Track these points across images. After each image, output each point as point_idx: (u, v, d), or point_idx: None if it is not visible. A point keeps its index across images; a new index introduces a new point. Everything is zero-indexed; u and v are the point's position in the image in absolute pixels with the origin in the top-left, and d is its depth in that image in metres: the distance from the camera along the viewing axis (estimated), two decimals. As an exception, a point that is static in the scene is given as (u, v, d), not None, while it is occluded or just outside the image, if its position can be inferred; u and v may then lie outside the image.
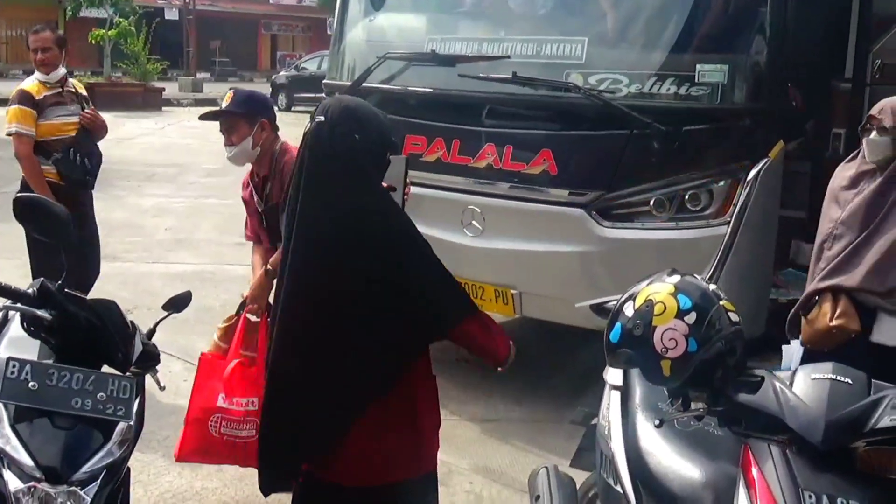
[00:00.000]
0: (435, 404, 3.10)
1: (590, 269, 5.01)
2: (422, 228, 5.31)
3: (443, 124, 5.44)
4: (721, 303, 2.44)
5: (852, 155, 4.05)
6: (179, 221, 10.89)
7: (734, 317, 2.44)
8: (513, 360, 3.06)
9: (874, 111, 3.83)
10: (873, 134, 3.78)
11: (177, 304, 3.28)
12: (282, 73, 33.08)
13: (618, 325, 2.48)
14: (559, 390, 5.29)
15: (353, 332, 2.79)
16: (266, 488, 3.12)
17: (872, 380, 2.35)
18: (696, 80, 4.75)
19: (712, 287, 2.49)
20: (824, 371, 2.34)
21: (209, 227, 10.65)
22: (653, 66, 4.92)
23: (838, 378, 2.31)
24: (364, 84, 5.79)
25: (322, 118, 2.81)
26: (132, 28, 28.17)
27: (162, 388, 3.14)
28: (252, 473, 4.57)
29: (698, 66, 4.75)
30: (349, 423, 2.84)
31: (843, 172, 3.99)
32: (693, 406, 2.48)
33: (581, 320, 5.03)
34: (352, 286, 2.78)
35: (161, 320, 3.25)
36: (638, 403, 2.99)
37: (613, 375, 3.13)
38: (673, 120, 4.76)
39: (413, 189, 5.50)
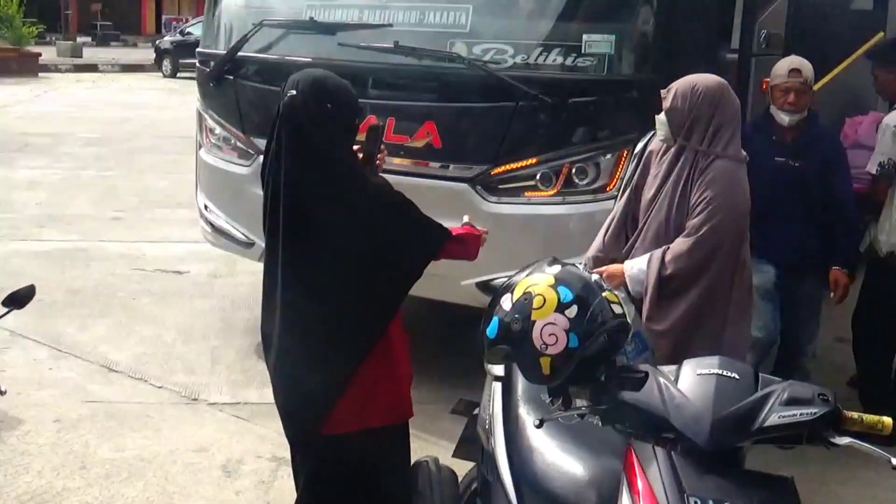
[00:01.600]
0: (409, 358, 3.29)
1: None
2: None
3: (322, 95, 5.19)
4: (604, 294, 2.30)
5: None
6: (52, 195, 10.39)
7: (618, 309, 2.31)
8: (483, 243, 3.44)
9: (663, 90, 3.71)
10: (662, 113, 3.69)
11: (18, 299, 3.01)
12: (166, 38, 32.13)
13: (494, 319, 2.32)
14: (447, 373, 5.15)
15: (350, 283, 3.01)
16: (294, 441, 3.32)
17: (760, 374, 2.24)
18: (582, 51, 4.61)
19: (595, 277, 2.35)
20: (710, 366, 2.22)
21: (84, 201, 10.21)
22: (539, 37, 4.76)
23: (724, 373, 2.19)
24: (240, 53, 5.52)
25: (293, 91, 3.00)
26: (5, -11, 26.99)
27: (2, 393, 2.88)
28: (120, 470, 4.38)
29: (585, 37, 4.61)
30: (354, 369, 3.06)
31: (653, 146, 3.91)
32: (575, 404, 2.34)
33: (467, 298, 4.89)
34: (340, 241, 3.01)
35: (-2, 319, 2.98)
36: (520, 396, 2.85)
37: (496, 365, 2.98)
38: (559, 92, 4.63)
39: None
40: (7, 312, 3.00)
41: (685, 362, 2.28)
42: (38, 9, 34.85)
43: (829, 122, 5.37)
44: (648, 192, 3.75)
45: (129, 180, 11.42)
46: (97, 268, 7.67)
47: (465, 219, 3.46)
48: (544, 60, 4.69)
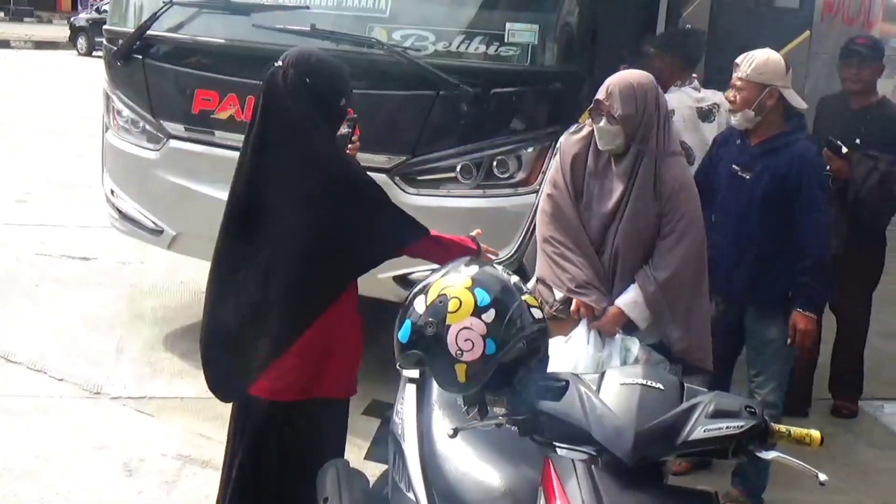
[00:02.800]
0: (360, 338, 3.26)
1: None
2: (214, 191, 4.89)
3: (236, 79, 4.99)
4: (524, 297, 2.17)
5: (578, 126, 3.87)
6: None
7: (538, 313, 2.18)
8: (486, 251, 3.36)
9: (601, 95, 3.54)
10: (603, 122, 3.52)
11: None
12: (82, 14, 31.25)
13: (407, 322, 2.18)
14: (362, 371, 4.98)
15: (303, 253, 2.97)
16: (224, 397, 3.28)
17: (685, 384, 2.13)
18: (505, 40, 4.49)
19: (514, 279, 2.22)
20: (634, 375, 2.11)
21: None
22: (461, 24, 4.63)
23: (649, 383, 2.09)
24: (150, 32, 5.28)
25: (279, 63, 2.99)
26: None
27: None
28: (12, 468, 4.15)
29: (508, 25, 4.50)
30: (295, 338, 3.02)
31: (573, 148, 3.71)
32: (491, 412, 2.21)
33: (384, 292, 4.71)
34: (302, 213, 2.96)
35: None
36: (435, 400, 2.72)
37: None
38: (481, 81, 4.51)
39: (202, 149, 5.13)
40: None
41: (608, 370, 2.17)
42: (-53, -20, 33.71)
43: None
44: (604, 205, 3.57)
45: (36, 162, 10.99)
46: (-1, 251, 7.32)
47: (474, 232, 3.39)
48: (466, 48, 4.57)
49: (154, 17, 5.22)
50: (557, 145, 4.49)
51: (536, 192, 4.53)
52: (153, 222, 5.47)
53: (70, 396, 4.97)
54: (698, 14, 5.30)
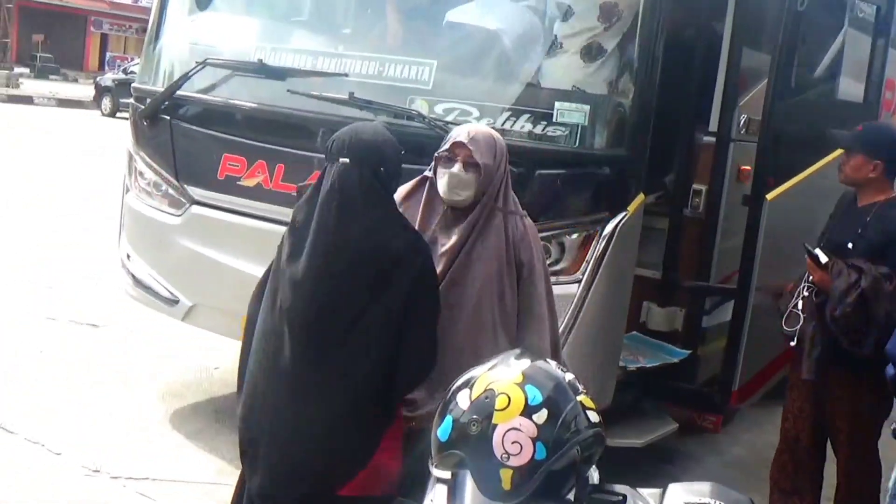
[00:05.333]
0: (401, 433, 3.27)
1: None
2: (236, 262, 4.80)
3: (266, 145, 4.94)
4: (579, 398, 2.03)
5: (417, 180, 3.59)
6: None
7: (594, 416, 2.03)
8: None
9: (462, 138, 3.32)
10: (457, 167, 3.30)
11: None
12: (108, 74, 31.80)
13: (448, 418, 2.04)
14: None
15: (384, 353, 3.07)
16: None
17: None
18: (553, 120, 4.40)
19: (569, 377, 2.07)
20: (700, 493, 1.95)
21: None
22: (507, 100, 4.56)
23: (716, 503, 1.93)
24: (180, 92, 5.25)
25: (346, 160, 3.04)
26: (-59, 12, 26.57)
27: None
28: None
29: (557, 104, 4.41)
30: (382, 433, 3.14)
31: (402, 200, 3.50)
32: (536, 526, 2.05)
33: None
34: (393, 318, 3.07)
35: None
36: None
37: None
38: (525, 161, 4.38)
39: (226, 217, 5.04)
40: None
41: (671, 486, 2.01)
42: (-25, 35, 34.46)
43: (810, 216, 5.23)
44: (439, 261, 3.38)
45: (51, 220, 11.00)
46: (3, 314, 7.25)
47: None
48: (511, 126, 4.48)
49: (185, 77, 5.19)
50: (604, 233, 4.43)
51: (579, 281, 4.41)
52: (169, 291, 5.37)
53: (68, 472, 4.82)
54: (757, 104, 5.22)
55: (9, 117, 23.36)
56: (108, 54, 48.33)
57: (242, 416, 3.21)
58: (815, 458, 4.67)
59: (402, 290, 3.07)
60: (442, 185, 3.38)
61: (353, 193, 3.04)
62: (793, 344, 4.42)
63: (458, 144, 3.33)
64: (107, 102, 28.61)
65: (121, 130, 21.15)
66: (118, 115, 27.27)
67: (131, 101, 5.77)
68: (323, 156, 3.27)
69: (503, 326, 3.37)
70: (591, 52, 4.42)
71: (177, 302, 5.35)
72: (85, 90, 33.32)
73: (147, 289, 5.53)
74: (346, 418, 3.06)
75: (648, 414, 5.36)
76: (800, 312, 4.39)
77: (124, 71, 30.00)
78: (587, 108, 4.41)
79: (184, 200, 5.25)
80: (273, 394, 3.11)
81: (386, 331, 3.06)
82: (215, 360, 6.59)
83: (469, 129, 3.43)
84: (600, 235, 4.41)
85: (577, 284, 4.42)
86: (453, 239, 3.38)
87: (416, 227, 3.39)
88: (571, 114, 4.41)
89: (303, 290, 3.04)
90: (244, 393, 3.22)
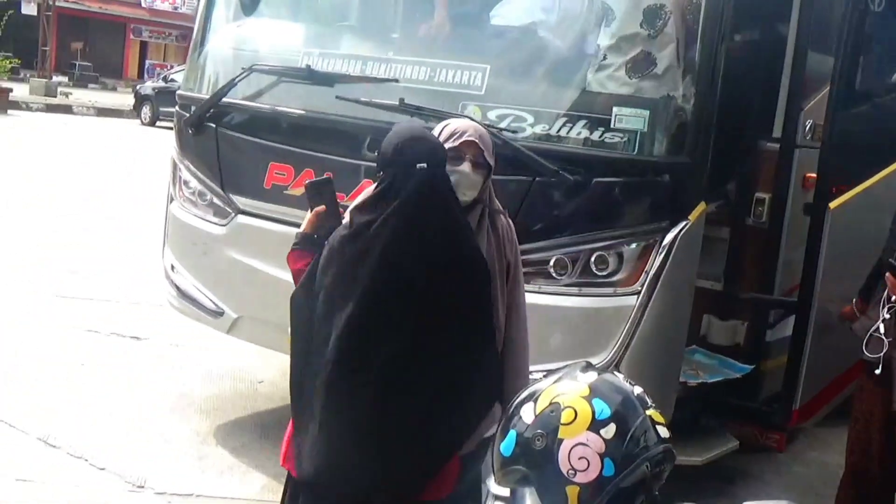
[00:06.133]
0: None
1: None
2: (282, 273, 4.82)
3: (314, 153, 4.95)
4: (648, 412, 2.01)
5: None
6: None
7: (663, 431, 2.01)
8: None
9: (472, 136, 3.27)
10: (466, 166, 3.24)
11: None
12: (148, 83, 32.20)
13: (511, 433, 2.03)
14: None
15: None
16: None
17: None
18: (612, 125, 4.38)
19: (638, 390, 2.05)
20: (777, 512, 1.93)
21: (33, 250, 9.86)
22: (563, 105, 4.55)
23: (795, 523, 1.90)
24: (225, 99, 5.29)
25: (425, 165, 3.04)
26: (-20, 19, 27.04)
27: None
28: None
29: (615, 110, 4.38)
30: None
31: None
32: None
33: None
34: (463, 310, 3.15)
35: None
36: (528, 523, 2.54)
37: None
38: (582, 168, 4.39)
39: (273, 227, 5.07)
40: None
41: (745, 504, 1.98)
42: (14, 42, 34.88)
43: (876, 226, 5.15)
44: None
45: (91, 231, 11.16)
46: (45, 325, 7.33)
47: None
48: (567, 132, 4.47)
49: (231, 84, 5.23)
50: (664, 243, 4.40)
51: (638, 293, 4.39)
52: (214, 303, 5.41)
53: (111, 488, 4.87)
54: (821, 108, 5.16)
55: (49, 127, 23.72)
56: (148, 62, 48.90)
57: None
58: (887, 493, 4.52)
59: (475, 291, 3.16)
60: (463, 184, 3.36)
61: (438, 197, 3.07)
62: (877, 372, 4.23)
63: (468, 143, 3.30)
64: (146, 111, 28.95)
65: (161, 140, 21.50)
66: (158, 123, 27.60)
67: (175, 108, 5.84)
68: (374, 163, 3.27)
69: (498, 326, 3.36)
70: (650, 55, 4.39)
71: (221, 314, 5.39)
72: (124, 98, 33.75)
73: (191, 300, 5.57)
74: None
75: (708, 431, 5.31)
76: (882, 336, 4.22)
77: (164, 79, 30.36)
78: (646, 113, 4.38)
79: (229, 210, 5.29)
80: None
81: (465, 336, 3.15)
82: (260, 373, 6.64)
83: (472, 126, 3.40)
84: (660, 245, 4.39)
85: (635, 296, 4.40)
86: None
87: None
88: (630, 119, 4.39)
89: (392, 290, 3.06)
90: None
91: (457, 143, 3.27)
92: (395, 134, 3.18)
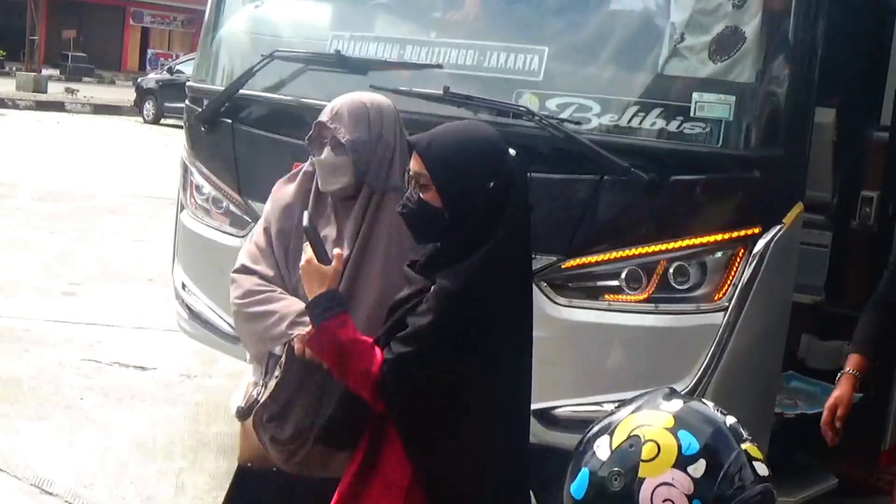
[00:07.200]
0: None
1: (534, 361, 4.58)
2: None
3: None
4: (743, 446, 2.01)
5: (296, 171, 3.73)
6: (-10, 258, 10.27)
7: (761, 468, 2.01)
8: None
9: (325, 117, 3.44)
10: (326, 152, 3.40)
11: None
12: (151, 75, 32.60)
13: (583, 472, 2.02)
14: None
15: None
16: None
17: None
18: (691, 114, 4.39)
19: (730, 420, 2.05)
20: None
21: (31, 268, 10.04)
22: (634, 91, 4.57)
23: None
24: (243, 91, 5.34)
25: (513, 151, 3.06)
26: (-42, 6, 27.50)
27: None
28: None
29: (695, 96, 4.39)
30: None
31: (285, 198, 3.64)
32: None
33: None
34: None
35: None
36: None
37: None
38: (657, 165, 4.41)
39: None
40: None
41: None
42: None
43: None
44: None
45: (88, 245, 11.34)
46: (38, 354, 7.45)
47: None
48: (640, 123, 4.49)
49: (249, 73, 5.27)
50: (754, 251, 4.38)
51: (725, 309, 4.38)
52: (231, 326, 5.45)
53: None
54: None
55: (39, 128, 24.08)
56: (150, 51, 49.54)
57: None
58: None
59: None
60: (318, 176, 3.49)
61: (524, 188, 3.12)
62: None
63: (320, 126, 3.41)
64: (149, 107, 29.27)
65: (166, 139, 21.76)
66: (162, 121, 27.92)
67: (185, 102, 5.91)
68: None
69: None
70: (737, 30, 4.39)
71: (239, 339, 5.42)
72: (123, 93, 34.21)
73: (205, 323, 5.62)
74: None
75: (803, 468, 5.28)
76: None
77: (169, 70, 30.76)
78: (732, 99, 4.38)
79: (248, 219, 5.33)
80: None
81: None
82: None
83: (334, 103, 3.49)
84: (750, 254, 4.38)
85: (721, 313, 4.40)
86: (345, 234, 3.46)
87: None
88: (713, 107, 4.39)
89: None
90: None
91: (311, 132, 3.45)
92: (475, 140, 3.11)
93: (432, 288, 2.95)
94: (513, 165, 3.05)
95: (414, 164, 3.02)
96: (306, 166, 3.67)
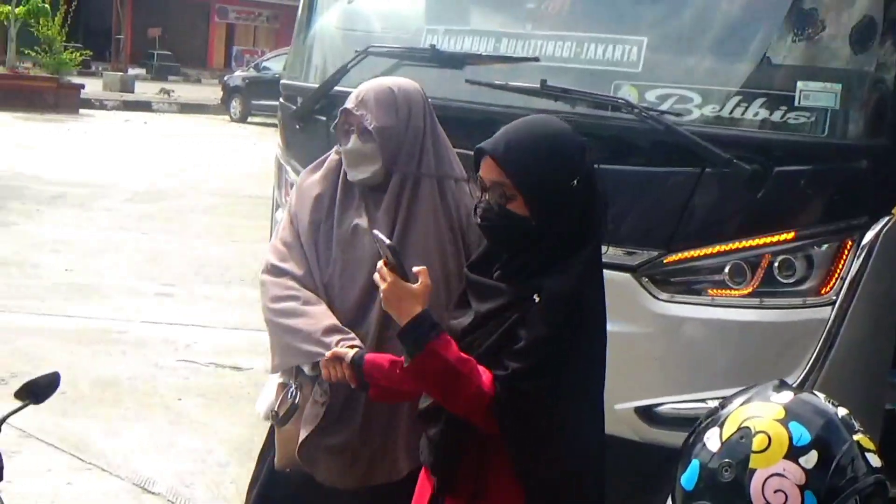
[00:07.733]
0: None
1: (637, 358, 4.62)
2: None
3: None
4: (856, 437, 2.04)
5: (322, 159, 3.75)
6: (85, 260, 10.55)
7: (874, 459, 2.04)
8: None
9: (350, 104, 3.44)
10: (353, 141, 3.40)
11: (36, 391, 2.90)
12: (237, 72, 33.01)
13: (694, 463, 2.08)
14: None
15: None
16: None
17: None
18: (796, 103, 4.38)
19: (842, 412, 2.09)
20: None
21: (124, 269, 10.29)
22: (736, 81, 4.57)
23: None
24: (338, 87, 5.42)
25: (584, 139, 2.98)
26: (46, 6, 27.92)
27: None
28: None
29: (800, 84, 4.38)
30: None
31: (313, 189, 3.64)
32: None
33: (621, 427, 4.61)
34: None
35: (11, 414, 2.86)
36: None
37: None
38: (761, 156, 4.40)
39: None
40: (22, 407, 2.90)
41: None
42: (84, 32, 35.96)
43: None
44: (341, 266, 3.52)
45: (180, 246, 11.56)
46: (136, 356, 7.65)
47: None
48: (742, 114, 4.48)
49: (344, 70, 5.34)
50: (862, 243, 4.36)
51: (832, 303, 4.37)
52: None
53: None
54: None
55: (127, 129, 24.48)
56: (235, 48, 50.07)
57: None
58: None
59: None
60: (345, 165, 3.50)
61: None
62: None
63: (346, 113, 3.42)
64: (236, 105, 29.58)
65: (254, 137, 21.98)
66: (250, 119, 28.22)
67: (280, 100, 6.02)
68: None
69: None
70: (841, 18, 4.39)
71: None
72: (210, 91, 34.63)
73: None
74: None
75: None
76: None
77: (256, 67, 31.08)
78: (838, 87, 4.37)
79: (344, 217, 5.42)
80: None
81: None
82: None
83: (359, 89, 3.51)
84: (858, 246, 4.37)
85: (829, 308, 4.38)
86: (378, 226, 3.41)
87: (336, 222, 3.54)
88: (818, 95, 4.38)
89: None
90: None
91: (338, 120, 3.46)
92: (552, 137, 3.01)
93: (538, 297, 2.82)
94: (590, 157, 2.97)
95: (491, 173, 2.92)
96: (332, 154, 3.71)
